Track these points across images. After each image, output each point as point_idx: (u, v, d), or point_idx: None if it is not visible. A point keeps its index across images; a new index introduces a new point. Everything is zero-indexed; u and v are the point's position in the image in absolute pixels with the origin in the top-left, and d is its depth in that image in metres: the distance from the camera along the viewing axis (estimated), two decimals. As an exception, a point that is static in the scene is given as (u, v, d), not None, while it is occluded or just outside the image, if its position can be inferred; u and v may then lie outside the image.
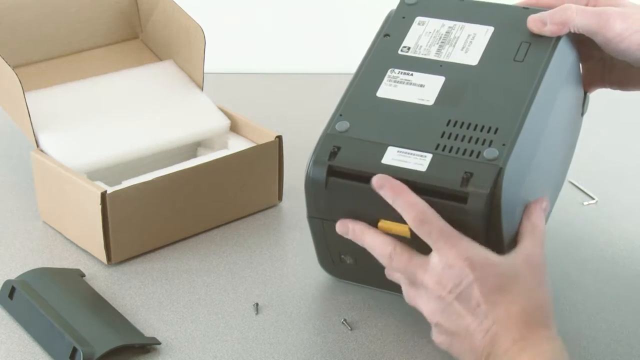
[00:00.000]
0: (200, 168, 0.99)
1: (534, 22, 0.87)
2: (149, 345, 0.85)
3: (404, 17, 0.91)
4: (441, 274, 0.75)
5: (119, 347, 0.83)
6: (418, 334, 0.87)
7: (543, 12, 0.87)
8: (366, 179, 0.80)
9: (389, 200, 0.78)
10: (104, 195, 0.93)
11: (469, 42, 0.88)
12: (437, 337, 0.78)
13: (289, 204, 1.08)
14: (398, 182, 0.78)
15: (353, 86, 0.87)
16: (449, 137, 0.81)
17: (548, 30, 0.86)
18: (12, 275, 0.92)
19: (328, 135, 0.83)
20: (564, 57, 0.87)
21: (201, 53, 1.09)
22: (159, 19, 1.15)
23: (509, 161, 0.79)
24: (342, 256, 0.89)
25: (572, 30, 0.86)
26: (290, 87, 1.40)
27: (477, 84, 0.85)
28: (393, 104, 0.85)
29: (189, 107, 1.09)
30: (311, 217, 0.87)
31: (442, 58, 0.87)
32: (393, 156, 0.81)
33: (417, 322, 0.84)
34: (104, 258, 0.96)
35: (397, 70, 0.87)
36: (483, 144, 0.80)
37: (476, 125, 0.81)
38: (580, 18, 0.85)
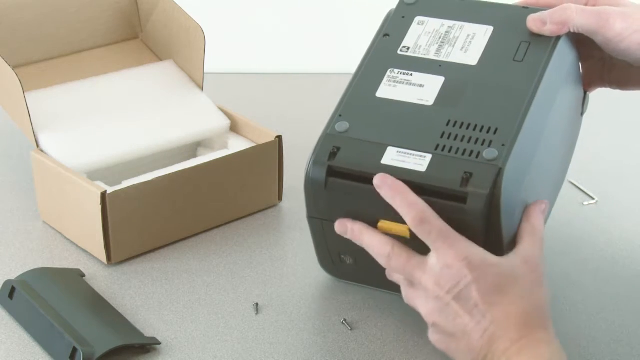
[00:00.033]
0: (200, 168, 0.99)
1: (533, 22, 0.87)
2: (149, 345, 0.85)
3: (403, 17, 0.91)
4: (439, 274, 0.76)
5: (119, 347, 0.83)
6: (418, 334, 0.87)
7: (543, 12, 0.87)
8: (366, 179, 0.80)
9: (389, 200, 0.78)
10: (104, 195, 0.93)
11: (468, 42, 0.88)
12: (434, 337, 0.78)
13: (289, 204, 1.08)
14: (398, 182, 0.78)
15: (353, 86, 0.87)
16: (448, 138, 0.81)
17: (548, 29, 0.86)
18: (12, 275, 0.93)
19: (328, 135, 0.83)
20: (564, 57, 0.87)
21: (201, 53, 1.09)
22: (159, 19, 1.15)
23: (508, 161, 0.79)
24: (342, 256, 0.89)
25: (572, 30, 0.86)
26: (290, 87, 1.40)
27: (477, 84, 0.85)
28: (392, 104, 0.85)
29: (189, 107, 1.09)
30: (311, 218, 0.87)
31: (441, 58, 0.87)
32: (392, 156, 0.81)
33: (417, 322, 0.84)
34: (104, 258, 0.96)
35: (396, 71, 0.87)
36: (483, 144, 0.80)
37: (476, 126, 0.81)
38: (580, 18, 0.85)
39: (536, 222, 0.81)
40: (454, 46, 0.88)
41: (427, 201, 0.78)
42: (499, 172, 0.78)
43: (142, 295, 0.92)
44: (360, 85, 0.87)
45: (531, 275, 0.77)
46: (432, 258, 0.76)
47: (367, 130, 0.83)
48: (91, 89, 1.08)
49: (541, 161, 0.84)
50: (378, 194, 0.79)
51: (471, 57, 0.87)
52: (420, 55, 0.88)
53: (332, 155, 0.82)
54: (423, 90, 0.85)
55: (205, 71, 1.11)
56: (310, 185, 0.83)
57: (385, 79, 0.87)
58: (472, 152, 0.80)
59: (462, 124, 0.82)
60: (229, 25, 1.44)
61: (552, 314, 0.89)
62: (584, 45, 0.89)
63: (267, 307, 0.91)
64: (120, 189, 0.94)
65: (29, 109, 0.99)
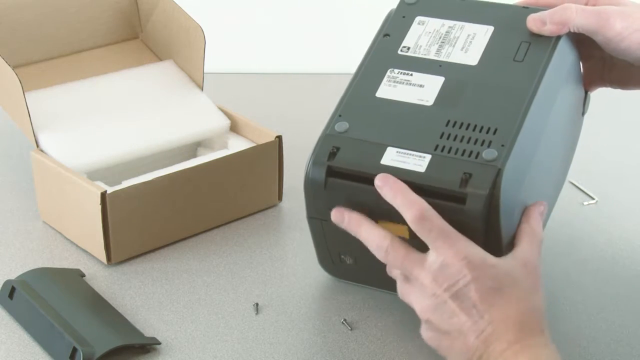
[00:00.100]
0: (200, 168, 0.99)
1: (533, 22, 0.87)
2: (149, 345, 0.85)
3: (404, 17, 0.91)
4: (437, 271, 0.75)
5: (119, 347, 0.83)
6: (418, 334, 0.86)
7: (543, 12, 0.87)
8: (365, 179, 0.80)
9: (389, 199, 0.78)
10: (104, 195, 0.93)
11: (468, 42, 0.88)
12: (426, 333, 0.77)
13: (289, 204, 1.08)
14: (399, 182, 0.78)
15: (352, 86, 0.87)
16: (448, 138, 0.81)
17: (548, 29, 0.86)
18: (12, 275, 0.93)
19: (327, 135, 0.83)
20: (564, 57, 0.87)
21: (201, 53, 1.09)
22: (159, 19, 1.15)
23: (507, 162, 0.79)
24: (342, 256, 0.89)
25: (572, 30, 0.86)
26: (290, 87, 1.40)
27: (477, 84, 0.85)
28: (392, 104, 0.85)
29: (189, 107, 1.09)
30: (311, 218, 0.87)
31: (441, 58, 0.87)
32: (392, 157, 0.81)
33: (417, 322, 0.84)
34: (104, 258, 0.96)
35: (396, 71, 0.87)
36: (482, 144, 0.80)
37: (475, 126, 0.81)
38: (580, 18, 0.85)
39: (535, 225, 0.81)
40: (454, 46, 0.88)
41: (426, 202, 0.78)
42: (498, 173, 0.78)
43: (142, 295, 0.92)
44: (360, 85, 0.87)
45: (529, 278, 0.77)
46: (432, 255, 0.76)
47: (366, 131, 0.83)
48: (91, 89, 1.08)
49: (541, 161, 0.84)
50: (377, 194, 0.79)
51: (471, 57, 0.87)
52: (420, 55, 0.88)
53: (332, 155, 0.82)
54: (423, 90, 0.85)
55: (205, 71, 1.11)
56: (310, 185, 0.83)
57: (385, 79, 0.86)
58: (471, 152, 0.80)
59: (462, 124, 0.82)
60: (229, 25, 1.44)
61: (552, 314, 0.89)
62: (584, 44, 0.89)
63: (267, 307, 0.91)
64: (120, 189, 0.94)
65: (29, 109, 0.99)
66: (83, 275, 0.95)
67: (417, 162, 0.80)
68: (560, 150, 0.92)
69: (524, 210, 0.83)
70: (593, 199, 1.10)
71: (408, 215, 0.77)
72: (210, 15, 1.25)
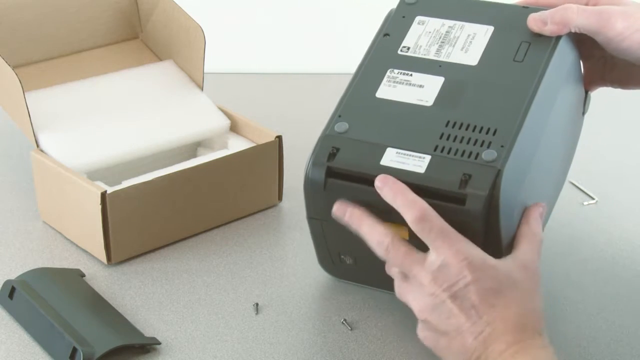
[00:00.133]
0: (200, 168, 0.99)
1: (534, 22, 0.87)
2: (149, 345, 0.85)
3: (404, 17, 0.91)
4: (437, 271, 0.75)
5: (119, 347, 0.83)
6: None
7: (543, 12, 0.87)
8: (365, 180, 0.80)
9: (389, 201, 0.78)
10: (104, 195, 0.93)
11: (468, 42, 0.88)
12: (423, 333, 0.77)
13: (289, 204, 1.08)
14: (399, 183, 0.78)
15: (352, 87, 0.87)
16: (447, 139, 0.81)
17: (548, 29, 0.86)
18: (12, 275, 0.93)
19: (327, 136, 0.83)
20: (564, 57, 0.87)
21: (201, 53, 1.09)
22: (159, 19, 1.15)
23: (507, 163, 0.79)
24: (342, 256, 0.89)
25: (573, 30, 0.86)
26: (290, 87, 1.40)
27: (477, 84, 0.85)
28: (392, 104, 0.85)
29: (189, 107, 1.09)
30: (310, 218, 0.87)
31: (441, 58, 0.87)
32: (392, 157, 0.81)
33: (417, 322, 0.84)
34: (104, 258, 0.96)
35: (396, 71, 0.87)
36: (482, 145, 0.80)
37: (475, 127, 0.81)
38: (580, 18, 0.85)
39: (535, 226, 0.81)
40: (454, 46, 0.88)
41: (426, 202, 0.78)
42: (498, 174, 0.78)
43: (142, 295, 0.92)
44: (360, 85, 0.87)
45: (529, 281, 0.77)
46: (432, 255, 0.76)
47: (366, 131, 0.83)
48: (91, 89, 1.08)
49: (541, 162, 0.84)
50: (377, 195, 0.79)
51: (471, 57, 0.87)
52: (420, 56, 0.88)
53: (332, 156, 0.82)
54: (423, 90, 0.85)
55: (205, 71, 1.11)
56: (310, 186, 0.83)
57: (385, 79, 0.86)
58: (471, 153, 0.80)
59: (462, 124, 0.82)
60: (229, 25, 1.44)
61: (552, 314, 0.89)
62: (585, 44, 0.89)
63: (267, 307, 0.91)
64: (120, 189, 0.94)
65: (29, 109, 0.99)
66: (83, 275, 0.95)
67: (417, 162, 0.80)
68: (560, 150, 0.92)
69: (524, 212, 0.83)
70: (593, 199, 1.10)
71: (408, 215, 0.77)
72: (210, 15, 1.25)
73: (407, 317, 0.87)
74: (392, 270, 0.81)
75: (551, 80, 0.84)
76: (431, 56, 0.87)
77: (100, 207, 0.93)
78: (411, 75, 0.86)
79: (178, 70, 1.14)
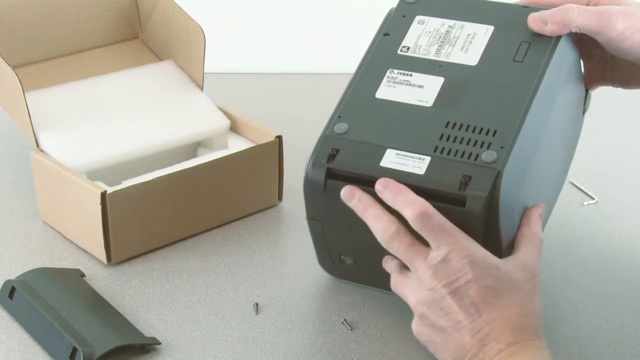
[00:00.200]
0: (200, 168, 0.99)
1: (534, 21, 0.86)
2: (149, 345, 0.85)
3: (403, 16, 0.91)
4: (439, 266, 0.75)
5: (119, 347, 0.83)
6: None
7: (544, 11, 0.86)
8: (365, 181, 0.80)
9: (390, 203, 0.78)
10: (104, 195, 0.93)
11: (468, 42, 0.88)
12: (418, 328, 0.77)
13: (289, 204, 1.08)
14: (399, 185, 0.78)
15: (352, 87, 0.87)
16: (447, 140, 0.81)
17: (548, 29, 0.86)
18: (12, 275, 0.93)
19: (326, 137, 0.83)
20: (564, 57, 0.87)
21: (201, 53, 1.09)
22: (159, 19, 1.15)
23: (507, 164, 0.78)
24: (342, 257, 0.89)
25: (573, 30, 0.86)
26: (290, 87, 1.40)
27: (476, 85, 0.84)
28: (392, 105, 0.85)
29: (189, 107, 1.09)
30: (310, 219, 0.87)
31: (441, 58, 0.87)
32: (391, 159, 0.81)
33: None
34: (104, 258, 0.96)
35: (396, 71, 0.87)
36: (481, 146, 0.80)
37: (475, 128, 0.81)
38: (581, 18, 0.85)
39: (535, 227, 0.81)
40: (454, 46, 0.88)
41: None
42: (498, 175, 0.78)
43: (142, 295, 0.92)
44: (360, 86, 0.87)
45: (529, 282, 0.77)
46: (434, 250, 0.76)
47: (366, 132, 0.83)
48: (91, 89, 1.08)
49: (541, 162, 0.84)
50: (377, 197, 0.79)
51: (471, 57, 0.86)
52: (420, 55, 0.88)
53: (331, 157, 0.82)
54: (422, 91, 0.85)
55: (205, 71, 1.11)
56: (309, 187, 0.83)
57: (385, 79, 0.86)
58: (470, 154, 0.80)
59: (461, 125, 0.82)
60: (229, 25, 1.44)
61: (552, 314, 0.89)
62: (585, 44, 0.89)
63: (267, 307, 0.91)
64: (120, 189, 0.94)
65: (29, 109, 0.99)
66: (83, 275, 0.95)
67: (417, 164, 0.80)
68: (560, 150, 0.92)
69: (524, 213, 0.83)
70: (593, 199, 1.10)
71: (409, 213, 0.77)
72: (210, 15, 1.25)
73: (407, 317, 0.87)
74: (389, 264, 0.81)
75: (551, 80, 0.84)
76: (431, 56, 0.87)
77: (100, 207, 0.93)
78: (411, 75, 0.86)
79: (178, 70, 1.14)
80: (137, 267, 0.96)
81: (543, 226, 0.89)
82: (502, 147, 0.79)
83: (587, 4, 0.87)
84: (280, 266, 0.97)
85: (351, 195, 0.80)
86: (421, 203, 0.77)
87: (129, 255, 0.97)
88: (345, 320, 0.89)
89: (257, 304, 0.91)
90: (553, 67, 0.85)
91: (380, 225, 0.78)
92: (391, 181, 0.78)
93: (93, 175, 0.99)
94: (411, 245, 0.77)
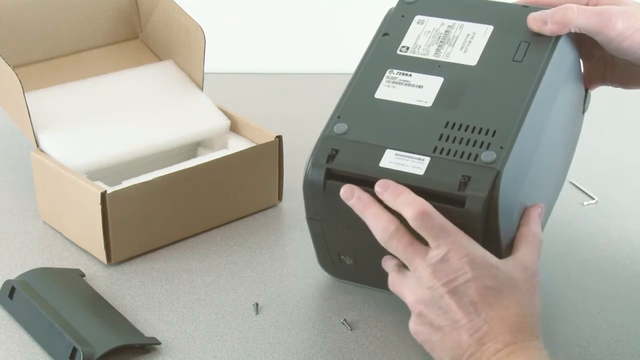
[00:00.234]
0: (200, 168, 0.99)
1: (534, 21, 0.86)
2: (149, 345, 0.85)
3: (403, 16, 0.91)
4: (438, 265, 0.75)
5: (119, 347, 0.83)
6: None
7: (543, 11, 0.86)
8: (364, 182, 0.80)
9: (390, 204, 0.78)
10: (104, 195, 0.93)
11: (468, 42, 0.88)
12: (416, 327, 0.77)
13: (289, 204, 1.08)
14: (399, 186, 0.78)
15: (351, 87, 0.87)
16: (446, 140, 0.81)
17: (548, 29, 0.86)
18: (12, 275, 0.93)
19: (326, 137, 0.83)
20: (564, 57, 0.87)
21: (201, 53, 1.09)
22: (159, 19, 1.15)
23: (506, 164, 0.78)
24: (342, 257, 0.89)
25: (573, 31, 0.86)
26: (290, 87, 1.40)
27: (476, 84, 0.84)
28: (391, 105, 0.85)
29: (189, 107, 1.09)
30: (310, 219, 0.87)
31: (441, 58, 0.87)
32: (391, 159, 0.81)
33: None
34: (104, 258, 0.96)
35: (395, 71, 0.87)
36: (481, 146, 0.80)
37: (474, 128, 0.81)
38: (581, 18, 0.85)
39: (534, 228, 0.81)
40: (453, 46, 0.88)
41: None
42: (497, 175, 0.78)
43: (142, 295, 0.92)
44: (359, 86, 0.86)
45: (528, 282, 0.77)
46: (433, 250, 0.76)
47: (365, 132, 0.83)
48: (91, 89, 1.08)
49: (541, 162, 0.84)
50: (376, 197, 0.79)
51: (470, 57, 0.86)
52: (419, 55, 0.88)
53: (331, 157, 0.82)
54: (422, 91, 0.85)
55: (205, 71, 1.11)
56: (309, 187, 0.83)
57: (384, 79, 0.86)
58: (470, 154, 0.80)
59: (461, 125, 0.82)
60: (229, 25, 1.44)
61: (552, 314, 0.89)
62: (585, 44, 0.89)
63: (267, 307, 0.91)
64: (120, 189, 0.94)
65: (29, 109, 0.99)
66: (83, 275, 0.95)
67: (416, 164, 0.80)
68: (560, 149, 0.92)
69: (523, 213, 0.82)
70: (593, 199, 1.10)
71: (409, 212, 0.77)
72: (210, 15, 1.25)
73: (407, 317, 0.87)
74: (387, 263, 0.81)
75: (551, 80, 0.84)
76: (430, 56, 0.87)
77: (100, 207, 0.93)
78: (410, 75, 0.86)
79: (178, 70, 1.14)
80: (137, 267, 0.96)
81: (543, 226, 0.89)
82: (501, 147, 0.79)
83: (587, 4, 0.87)
84: (280, 266, 0.97)
85: (351, 194, 0.80)
86: (421, 203, 0.77)
87: (129, 255, 0.97)
88: (345, 320, 0.89)
89: (257, 304, 0.91)
90: (552, 67, 0.85)
91: (379, 224, 0.78)
92: (391, 182, 0.78)
93: (93, 175, 0.99)
94: (410, 245, 0.77)
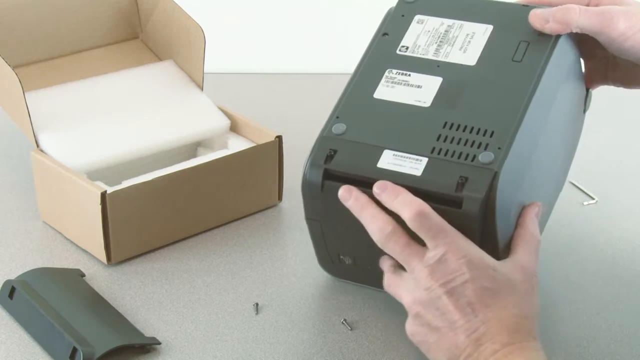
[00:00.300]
0: (200, 168, 0.99)
1: (536, 18, 0.86)
2: (149, 345, 0.85)
3: (403, 16, 0.91)
4: (435, 266, 0.75)
5: (119, 347, 0.83)
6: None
7: (546, 9, 0.86)
8: (362, 182, 0.80)
9: (389, 205, 0.78)
10: (104, 195, 0.93)
11: (467, 42, 0.88)
12: (413, 328, 0.77)
13: (289, 204, 1.08)
14: (397, 187, 0.78)
15: (350, 87, 0.87)
16: (445, 140, 0.81)
17: (549, 28, 0.85)
18: (12, 275, 0.93)
19: (324, 137, 0.83)
20: (564, 57, 0.87)
21: (201, 53, 1.09)
22: (159, 19, 1.15)
23: (504, 165, 0.78)
24: (341, 257, 0.89)
25: (574, 31, 0.85)
26: (290, 87, 1.40)
27: (475, 85, 0.84)
28: (390, 105, 0.84)
29: (189, 107, 1.09)
30: (309, 219, 0.87)
31: (440, 58, 0.87)
32: (389, 160, 0.81)
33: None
34: (104, 258, 0.96)
35: (394, 71, 0.87)
36: (479, 147, 0.80)
37: (472, 128, 0.81)
38: (582, 18, 0.84)
39: (532, 228, 0.81)
40: (452, 46, 0.88)
41: None
42: (495, 176, 0.78)
43: (142, 295, 0.92)
44: (358, 86, 0.86)
45: (527, 283, 0.77)
46: (431, 250, 0.76)
47: (364, 133, 0.83)
48: (91, 89, 1.08)
49: (540, 162, 0.84)
50: (374, 197, 0.79)
51: (470, 57, 0.86)
52: (418, 55, 0.88)
53: (329, 158, 0.82)
54: (421, 91, 0.85)
55: (205, 71, 1.11)
56: (307, 187, 0.83)
57: (383, 79, 0.86)
58: (468, 155, 0.79)
59: (459, 126, 0.82)
60: (229, 25, 1.44)
61: (552, 315, 0.89)
62: (587, 44, 0.89)
63: (267, 307, 0.91)
64: (120, 189, 0.94)
65: (29, 109, 0.99)
66: (83, 275, 0.95)
67: (414, 165, 0.80)
68: (560, 149, 0.92)
69: (520, 213, 0.82)
70: (593, 199, 1.10)
71: (406, 213, 0.77)
72: (210, 15, 1.25)
73: (407, 317, 0.87)
74: (384, 263, 0.81)
75: (550, 80, 0.84)
76: (429, 56, 0.87)
77: (100, 207, 0.93)
78: (409, 75, 0.86)
79: (178, 70, 1.14)
80: (137, 267, 0.96)
81: (543, 226, 0.89)
82: (499, 148, 0.79)
83: (588, 4, 0.87)
84: (280, 266, 0.97)
85: (348, 195, 0.80)
86: (419, 203, 0.77)
87: (129, 255, 0.97)
88: (345, 320, 0.89)
89: (257, 304, 0.91)
90: (552, 66, 0.85)
91: (376, 225, 0.78)
92: (389, 184, 0.78)
93: (93, 175, 0.99)
94: (407, 245, 0.77)
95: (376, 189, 0.79)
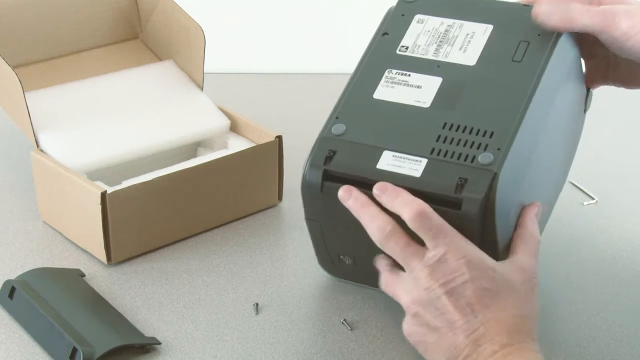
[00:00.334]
0: (200, 168, 0.99)
1: (539, 14, 0.85)
2: (149, 345, 0.85)
3: (403, 15, 0.91)
4: (435, 266, 0.75)
5: (119, 347, 0.83)
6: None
7: (548, 6, 0.85)
8: (361, 183, 0.80)
9: (389, 206, 0.78)
10: (104, 195, 0.93)
11: (467, 42, 0.88)
12: (411, 328, 0.77)
13: (289, 204, 1.08)
14: (397, 188, 0.78)
15: (350, 88, 0.87)
16: (444, 141, 0.81)
17: (551, 25, 0.85)
18: (12, 275, 0.93)
19: (324, 138, 0.83)
20: (564, 56, 0.87)
21: (201, 53, 1.09)
22: (159, 19, 1.15)
23: (504, 166, 0.78)
24: (341, 257, 0.89)
25: (576, 30, 0.85)
26: (290, 87, 1.40)
27: (474, 85, 0.84)
28: (390, 106, 0.84)
29: (189, 107, 1.09)
30: (308, 219, 0.87)
31: (440, 58, 0.87)
32: (388, 161, 0.81)
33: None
34: (104, 258, 0.96)
35: (394, 71, 0.87)
36: (478, 148, 0.80)
37: (472, 129, 0.81)
38: (584, 18, 0.84)
39: (531, 228, 0.81)
40: (452, 45, 0.88)
41: None
42: (494, 177, 0.78)
43: (142, 295, 0.92)
44: (358, 86, 0.86)
45: (526, 284, 0.77)
46: (431, 250, 0.76)
47: (363, 133, 0.83)
48: (91, 89, 1.08)
49: (539, 162, 0.84)
50: (374, 198, 0.79)
51: (469, 57, 0.86)
52: (418, 55, 0.88)
53: (328, 159, 0.82)
54: (420, 91, 0.85)
55: (205, 71, 1.11)
56: (307, 188, 0.83)
57: (383, 80, 0.86)
58: (467, 156, 0.79)
59: (459, 127, 0.82)
60: (229, 25, 1.44)
61: (552, 315, 0.89)
62: (588, 43, 0.89)
63: (267, 307, 0.91)
64: (120, 189, 0.94)
65: (29, 109, 0.99)
66: (83, 275, 0.95)
67: (413, 166, 0.80)
68: (560, 149, 0.92)
69: (520, 213, 0.82)
70: (593, 199, 1.10)
71: (406, 213, 0.77)
72: (210, 15, 1.25)
73: (406, 317, 0.88)
74: (381, 263, 0.81)
75: (550, 80, 0.84)
76: (429, 56, 0.87)
77: (100, 207, 0.93)
78: (409, 75, 0.86)
79: (178, 70, 1.14)
80: (137, 267, 0.96)
81: (543, 226, 0.89)
82: (498, 149, 0.79)
83: (590, 4, 0.87)
84: (280, 266, 0.97)
85: (348, 195, 0.80)
86: (419, 203, 0.77)
87: (129, 255, 0.97)
88: (345, 320, 0.89)
89: (257, 304, 0.91)
90: (552, 66, 0.85)
91: (375, 225, 0.78)
92: (389, 185, 0.78)
93: (93, 175, 0.99)
94: (407, 245, 0.77)
95: (376, 190, 0.78)
